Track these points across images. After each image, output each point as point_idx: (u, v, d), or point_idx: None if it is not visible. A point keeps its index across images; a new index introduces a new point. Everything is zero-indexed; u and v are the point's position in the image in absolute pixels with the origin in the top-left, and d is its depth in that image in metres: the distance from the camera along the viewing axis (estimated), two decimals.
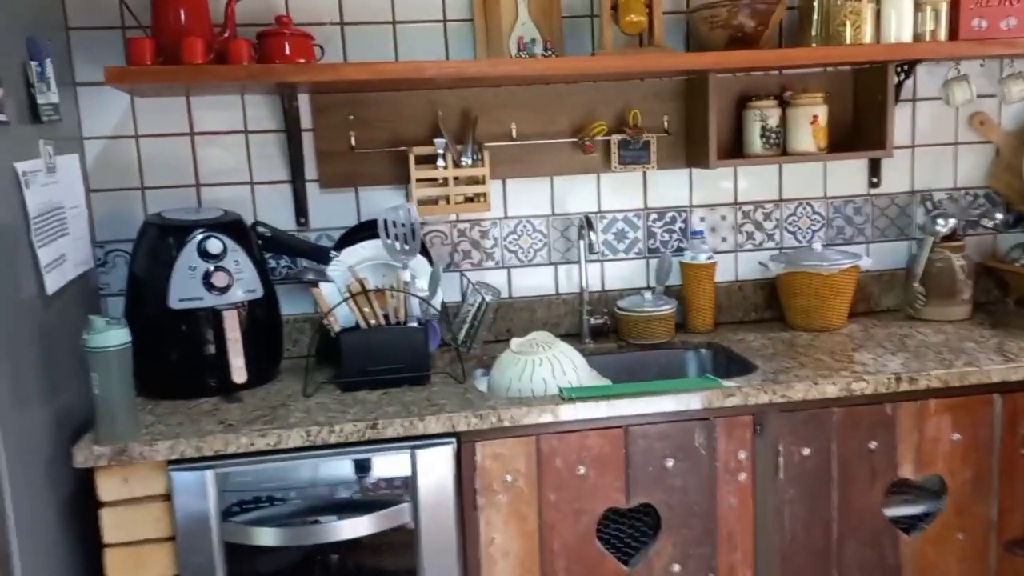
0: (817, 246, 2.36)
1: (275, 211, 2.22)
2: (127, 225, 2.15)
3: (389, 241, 1.96)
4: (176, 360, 1.92)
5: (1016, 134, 2.47)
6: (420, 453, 1.71)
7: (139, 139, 2.15)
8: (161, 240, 1.93)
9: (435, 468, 1.73)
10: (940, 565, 1.97)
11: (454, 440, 1.75)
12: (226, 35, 1.98)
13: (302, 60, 1.99)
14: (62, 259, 1.77)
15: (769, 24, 2.10)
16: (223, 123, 2.18)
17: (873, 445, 1.90)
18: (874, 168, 2.46)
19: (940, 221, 2.36)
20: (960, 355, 2.00)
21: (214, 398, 1.91)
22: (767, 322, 2.43)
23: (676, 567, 1.88)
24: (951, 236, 2.37)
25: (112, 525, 1.66)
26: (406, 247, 1.96)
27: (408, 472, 1.72)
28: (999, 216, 2.47)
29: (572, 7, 2.25)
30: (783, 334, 2.30)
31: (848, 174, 2.46)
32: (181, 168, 2.18)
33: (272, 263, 2.20)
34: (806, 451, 1.88)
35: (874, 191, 2.48)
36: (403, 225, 1.97)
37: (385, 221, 1.96)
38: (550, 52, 2.10)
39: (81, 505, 1.72)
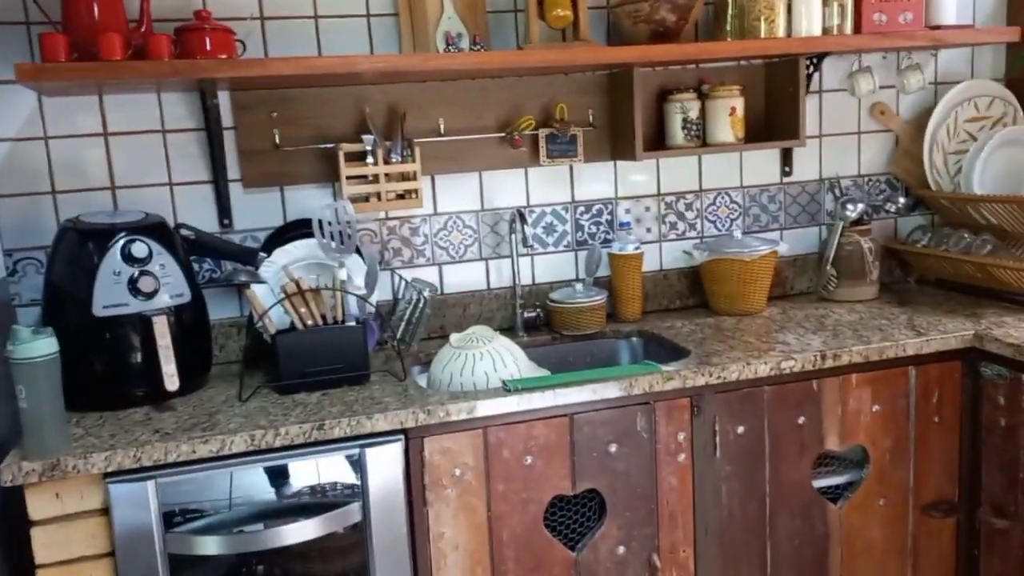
0: (737, 234, 2.45)
1: (197, 213, 2.15)
2: (37, 232, 2.06)
3: (324, 240, 1.93)
4: (102, 369, 1.83)
5: (913, 122, 2.62)
6: (369, 452, 1.70)
7: (48, 140, 2.05)
8: (80, 246, 1.85)
9: (384, 466, 1.72)
10: (864, 531, 2.08)
11: (402, 437, 1.74)
12: (143, 30, 1.91)
13: (224, 56, 1.93)
14: None
15: (689, 18, 2.16)
16: (138, 122, 2.10)
17: (801, 420, 1.99)
18: (786, 157, 2.57)
19: (849, 207, 2.48)
20: (875, 332, 2.11)
21: (143, 408, 1.84)
22: (692, 308, 2.51)
23: (621, 549, 1.92)
24: (858, 221, 2.50)
25: (44, 544, 1.58)
26: (342, 245, 1.93)
27: (356, 472, 1.70)
28: (901, 200, 2.62)
29: (495, 3, 2.26)
30: (709, 319, 2.37)
31: (762, 164, 2.56)
32: (94, 170, 2.08)
33: (195, 267, 2.13)
34: (740, 429, 1.95)
35: (787, 179, 2.59)
36: (338, 223, 1.94)
37: (320, 219, 1.93)
38: (479, 47, 2.10)
39: (5, 526, 1.63)
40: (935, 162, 2.55)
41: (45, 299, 1.89)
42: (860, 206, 2.49)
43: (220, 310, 2.17)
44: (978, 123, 2.56)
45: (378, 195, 2.16)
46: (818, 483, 2.05)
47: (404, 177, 2.18)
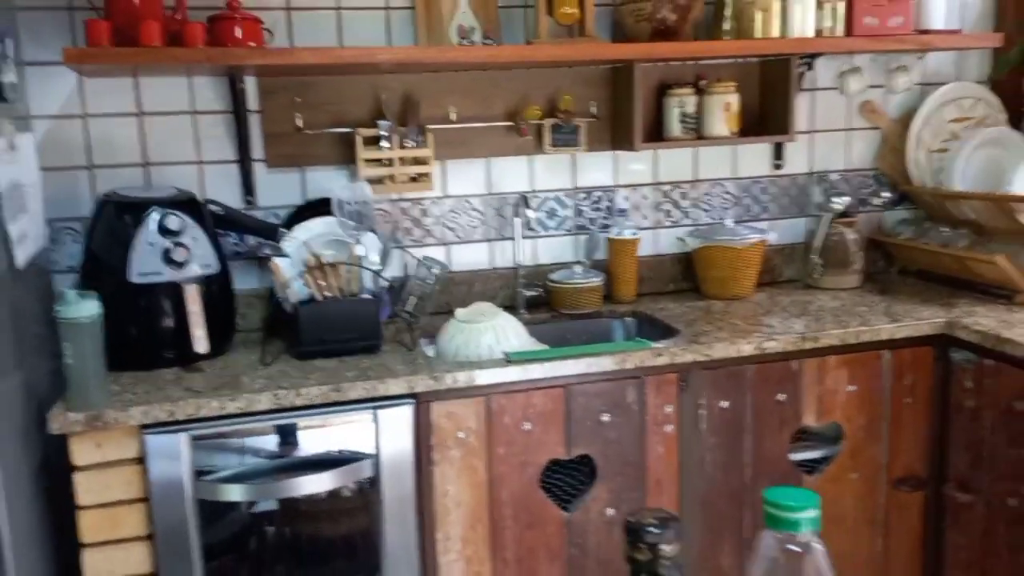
0: (729, 222, 2.59)
1: (222, 190, 2.29)
2: (73, 204, 2.20)
3: (343, 218, 2.07)
4: (135, 332, 1.99)
5: (900, 121, 2.75)
6: (382, 413, 1.85)
7: (87, 118, 2.19)
8: (118, 217, 2.00)
9: (395, 427, 1.87)
10: (838, 502, 2.23)
11: (413, 401, 1.89)
12: (178, 18, 2.05)
13: (252, 44, 2.07)
14: (24, 235, 1.82)
15: (689, 18, 2.30)
16: (171, 104, 2.24)
17: (781, 397, 2.14)
18: (777, 151, 2.71)
19: (836, 199, 2.62)
20: (854, 317, 2.26)
21: (173, 369, 1.99)
22: (684, 292, 2.66)
23: (610, 511, 2.07)
24: (845, 213, 2.64)
25: (86, 488, 1.74)
26: (359, 223, 2.08)
27: (371, 431, 1.86)
28: (886, 195, 2.76)
29: None
30: (699, 302, 2.52)
31: (754, 157, 2.70)
32: (128, 147, 2.23)
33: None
34: (724, 404, 2.10)
35: (777, 172, 2.73)
36: (356, 203, 2.08)
37: (339, 199, 2.07)
38: (491, 40, 2.24)
39: (47, 472, 1.79)
40: (919, 159, 2.69)
41: (83, 266, 2.04)
42: (846, 199, 2.63)
43: (242, 282, 2.31)
44: (961, 123, 2.70)
45: (392, 178, 2.30)
46: (795, 456, 2.20)
47: (417, 161, 2.33)
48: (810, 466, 2.23)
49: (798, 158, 2.73)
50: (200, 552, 1.79)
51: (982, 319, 2.18)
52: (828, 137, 2.75)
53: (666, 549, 0.62)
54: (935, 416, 2.25)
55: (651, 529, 0.62)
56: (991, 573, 2.11)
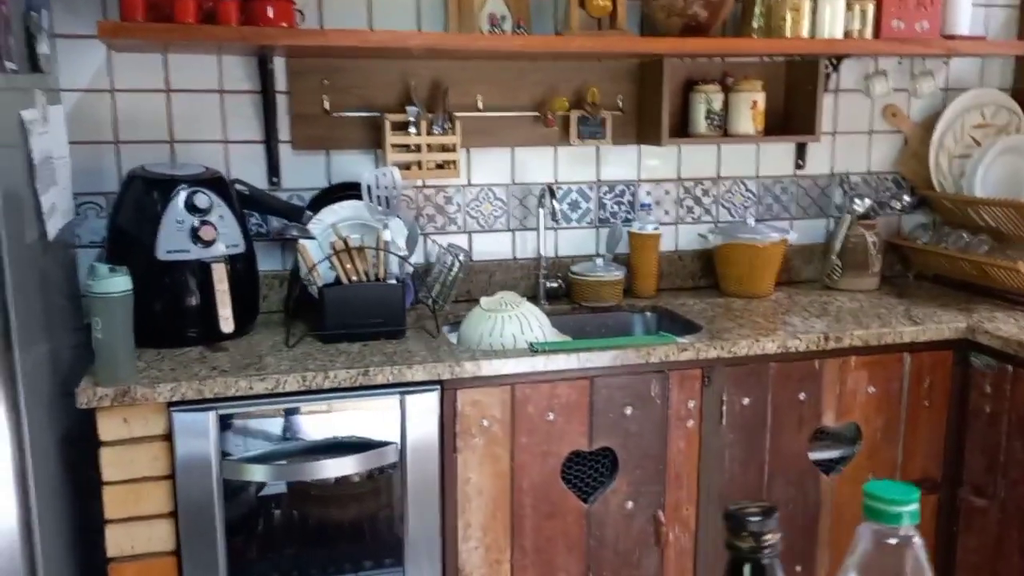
0: (750, 221, 2.60)
1: (248, 170, 2.29)
2: (98, 178, 2.19)
3: (372, 203, 2.07)
4: (161, 309, 1.97)
5: (923, 125, 2.76)
6: (409, 399, 1.85)
7: (115, 93, 2.18)
8: (146, 193, 1.99)
9: (421, 413, 1.87)
10: (853, 502, 2.24)
11: (438, 387, 1.89)
12: None
13: (284, 24, 2.06)
14: (54, 208, 1.81)
15: (720, 15, 2.30)
16: (199, 82, 2.23)
17: (802, 396, 2.15)
18: (800, 151, 2.71)
19: (857, 201, 2.63)
20: (874, 319, 2.26)
21: (197, 347, 1.98)
22: (703, 289, 2.66)
23: (630, 504, 2.08)
24: (865, 215, 2.65)
25: (111, 463, 1.73)
26: (387, 208, 2.07)
27: (397, 416, 1.85)
28: (906, 199, 2.77)
29: None
30: (719, 299, 2.53)
31: (777, 156, 2.70)
32: (156, 124, 2.22)
33: None
34: (746, 401, 2.11)
35: (799, 172, 2.74)
36: (384, 188, 2.08)
37: (368, 183, 2.07)
38: (522, 29, 2.24)
39: (72, 445, 1.78)
40: (940, 164, 2.70)
41: (109, 241, 2.03)
42: (867, 202, 2.64)
43: (264, 263, 2.30)
44: (983, 130, 2.71)
45: (419, 164, 2.29)
46: (813, 455, 2.21)
47: (444, 148, 2.32)
48: (827, 465, 2.24)
49: (820, 159, 2.74)
50: (223, 530, 1.78)
51: (1003, 325, 2.19)
52: (850, 139, 2.76)
53: (768, 538, 0.62)
54: (952, 420, 2.26)
55: (754, 518, 0.62)
56: None
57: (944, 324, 2.21)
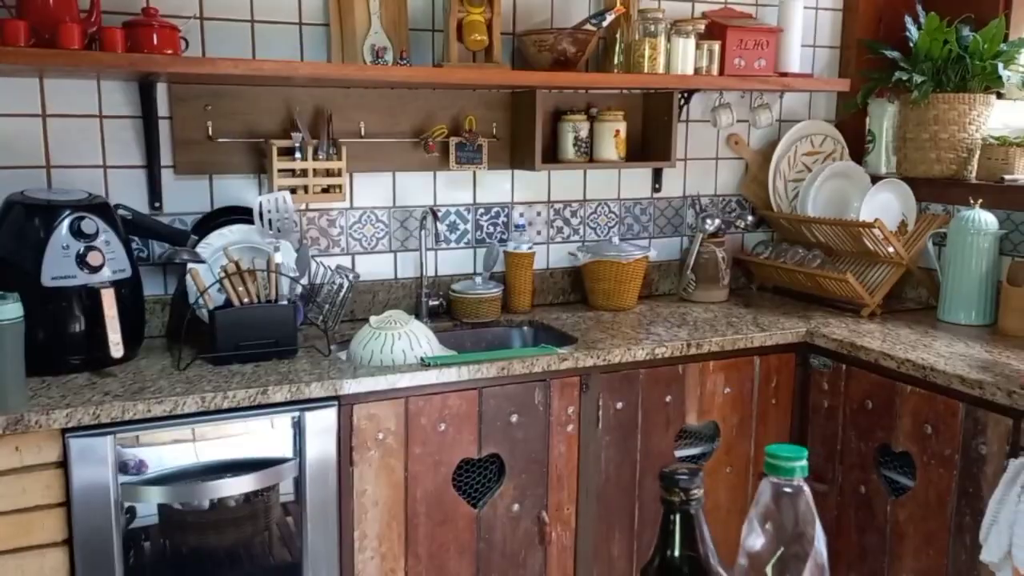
0: (615, 239, 2.81)
1: (128, 194, 2.28)
2: None
3: (263, 226, 2.12)
4: (44, 336, 1.94)
5: (761, 152, 3.08)
6: (307, 415, 1.91)
7: None
8: (28, 219, 1.95)
9: (318, 429, 1.94)
10: (713, 493, 2.47)
11: (336, 403, 1.96)
12: (93, 20, 2.04)
13: (169, 51, 2.09)
14: None
15: (586, 51, 2.50)
16: (77, 106, 2.21)
17: (668, 398, 2.36)
18: (657, 176, 2.96)
19: (708, 221, 2.90)
20: (728, 327, 2.51)
21: (83, 373, 1.97)
22: (573, 304, 2.85)
23: (516, 506, 2.22)
24: (714, 233, 2.92)
25: (1, 495, 1.70)
26: (278, 232, 2.13)
27: (296, 433, 1.91)
28: (749, 218, 3.07)
29: (416, 21, 2.51)
30: (588, 313, 2.72)
31: (636, 180, 2.94)
32: (31, 149, 2.18)
33: None
34: (620, 405, 2.29)
35: (656, 195, 2.98)
36: (276, 212, 2.13)
37: (260, 207, 2.12)
38: (405, 61, 2.35)
39: None
40: (777, 187, 3.02)
41: None
42: (716, 221, 2.91)
43: (146, 288, 2.30)
44: (813, 156, 3.05)
45: (305, 188, 2.36)
46: (679, 452, 2.43)
47: (329, 173, 2.40)
48: (691, 461, 2.46)
49: (674, 183, 2.99)
50: (121, 556, 1.78)
51: (836, 329, 2.48)
52: (700, 165, 3.03)
53: (695, 493, 0.77)
54: (796, 415, 2.54)
55: (682, 476, 0.77)
56: (842, 553, 2.40)
57: (787, 330, 2.48)
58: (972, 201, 2.57)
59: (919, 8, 2.84)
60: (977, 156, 2.76)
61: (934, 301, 2.72)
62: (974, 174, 2.76)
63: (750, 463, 2.51)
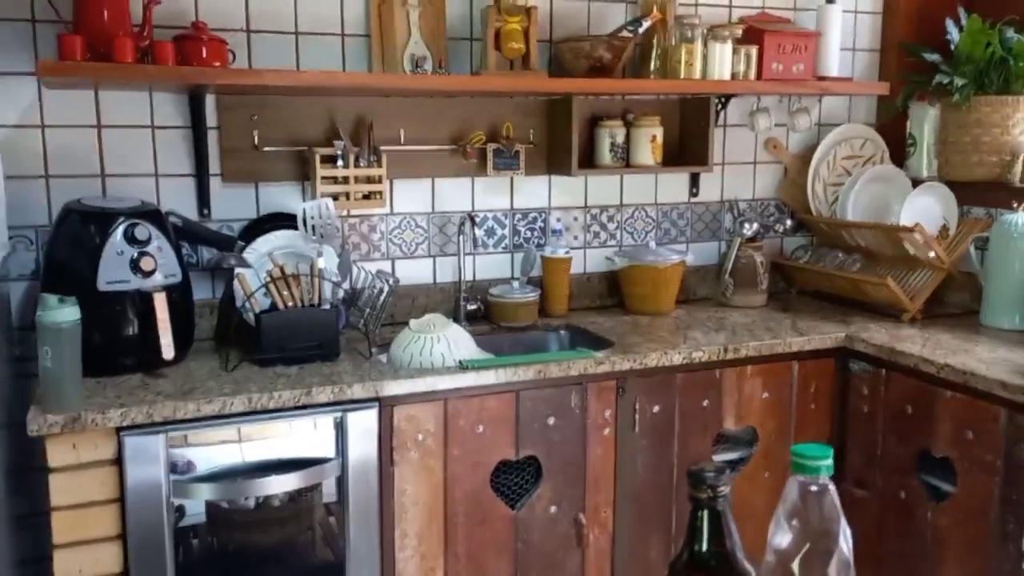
0: (652, 244, 2.83)
1: (179, 202, 2.36)
2: (27, 212, 2.22)
3: (307, 232, 2.18)
4: (100, 339, 2.02)
5: (800, 156, 3.07)
6: (350, 416, 1.96)
7: (45, 129, 2.22)
8: (84, 226, 2.03)
9: (360, 429, 1.99)
10: (752, 498, 2.47)
11: (377, 404, 2.01)
12: (145, 34, 2.12)
13: (217, 63, 2.16)
14: None
15: (622, 57, 2.52)
16: (129, 117, 2.29)
17: (705, 403, 2.37)
18: (694, 181, 2.97)
19: (746, 225, 2.90)
20: (766, 332, 2.51)
21: (136, 374, 2.04)
22: (610, 308, 2.87)
23: (553, 508, 2.24)
24: (752, 238, 2.92)
25: (59, 489, 1.78)
26: (322, 237, 2.19)
27: (338, 434, 1.97)
28: (788, 222, 3.07)
29: (454, 30, 2.56)
30: (625, 317, 2.74)
31: (673, 185, 2.95)
32: (86, 158, 2.27)
33: None
34: (656, 408, 2.31)
35: (694, 199, 2.99)
36: (319, 218, 2.19)
37: (304, 213, 2.18)
38: (444, 70, 2.40)
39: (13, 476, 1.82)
40: (816, 191, 3.01)
41: (45, 273, 2.07)
42: (755, 225, 2.91)
43: (195, 292, 2.37)
44: (853, 160, 3.04)
45: (347, 195, 2.42)
46: (716, 457, 2.43)
47: (370, 180, 2.45)
48: (729, 466, 2.46)
49: (711, 187, 3.00)
50: (172, 550, 1.85)
51: (876, 334, 2.47)
52: (737, 169, 3.03)
53: (722, 490, 0.79)
54: (835, 420, 2.53)
55: (710, 474, 0.80)
56: (884, 559, 2.39)
57: (826, 335, 2.48)
58: (1015, 205, 2.55)
59: (960, 10, 2.82)
60: (1021, 159, 2.72)
61: (976, 306, 2.69)
62: (1018, 178, 2.73)
63: (789, 468, 2.50)
